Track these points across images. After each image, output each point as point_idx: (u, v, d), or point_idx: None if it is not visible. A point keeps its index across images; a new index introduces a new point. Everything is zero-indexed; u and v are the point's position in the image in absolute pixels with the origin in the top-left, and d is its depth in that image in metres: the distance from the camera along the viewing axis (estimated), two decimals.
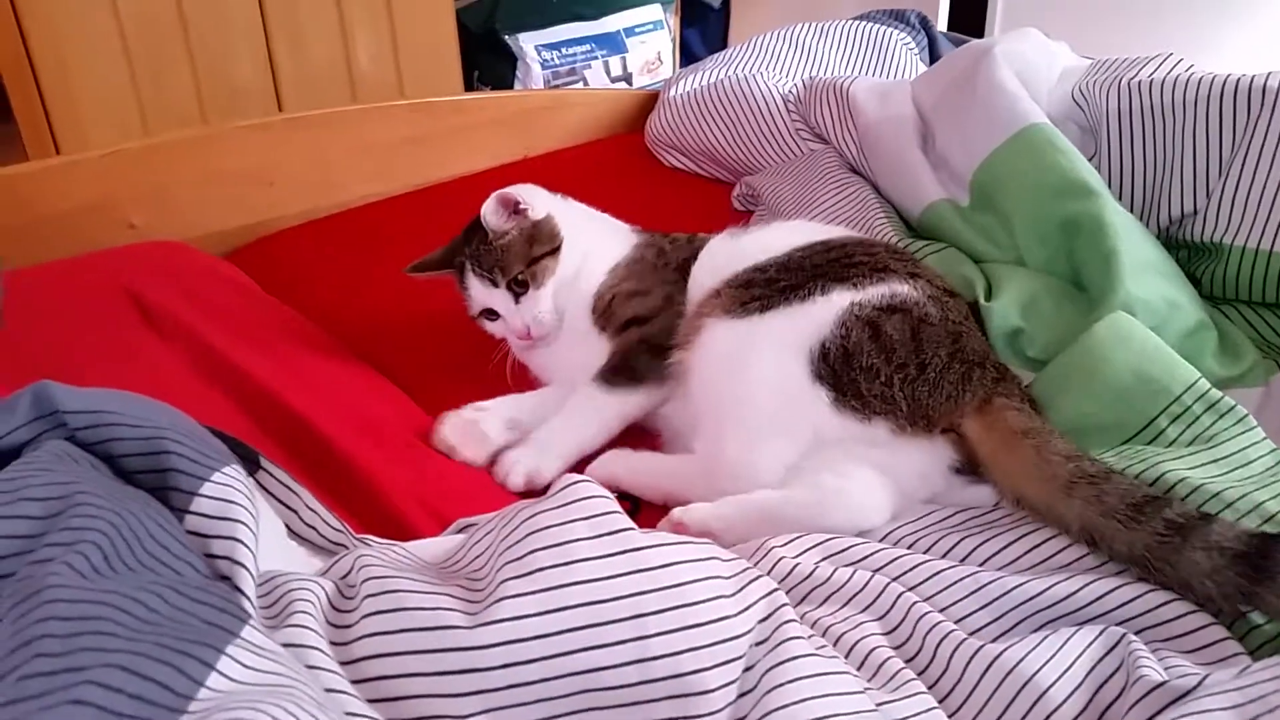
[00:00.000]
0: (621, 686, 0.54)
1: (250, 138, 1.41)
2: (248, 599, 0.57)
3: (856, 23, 1.66)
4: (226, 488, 0.63)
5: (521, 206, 1.05)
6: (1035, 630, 0.70)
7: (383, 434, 0.92)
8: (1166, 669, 0.66)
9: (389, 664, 0.55)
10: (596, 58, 3.03)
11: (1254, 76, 1.01)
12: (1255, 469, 0.79)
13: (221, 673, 0.48)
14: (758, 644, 0.59)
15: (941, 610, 0.70)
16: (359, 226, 1.41)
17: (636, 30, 3.13)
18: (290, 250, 1.36)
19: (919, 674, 0.66)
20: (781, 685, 0.58)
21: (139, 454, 0.64)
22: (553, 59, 2.95)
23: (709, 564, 0.59)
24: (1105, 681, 0.66)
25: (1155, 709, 0.61)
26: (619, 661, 0.54)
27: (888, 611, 0.69)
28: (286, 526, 0.76)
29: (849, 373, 0.83)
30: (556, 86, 2.88)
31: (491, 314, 1.05)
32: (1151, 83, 1.06)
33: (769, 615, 0.60)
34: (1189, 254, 1.07)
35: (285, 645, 0.54)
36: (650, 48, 3.15)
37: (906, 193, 1.18)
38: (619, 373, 0.97)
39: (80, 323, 1.01)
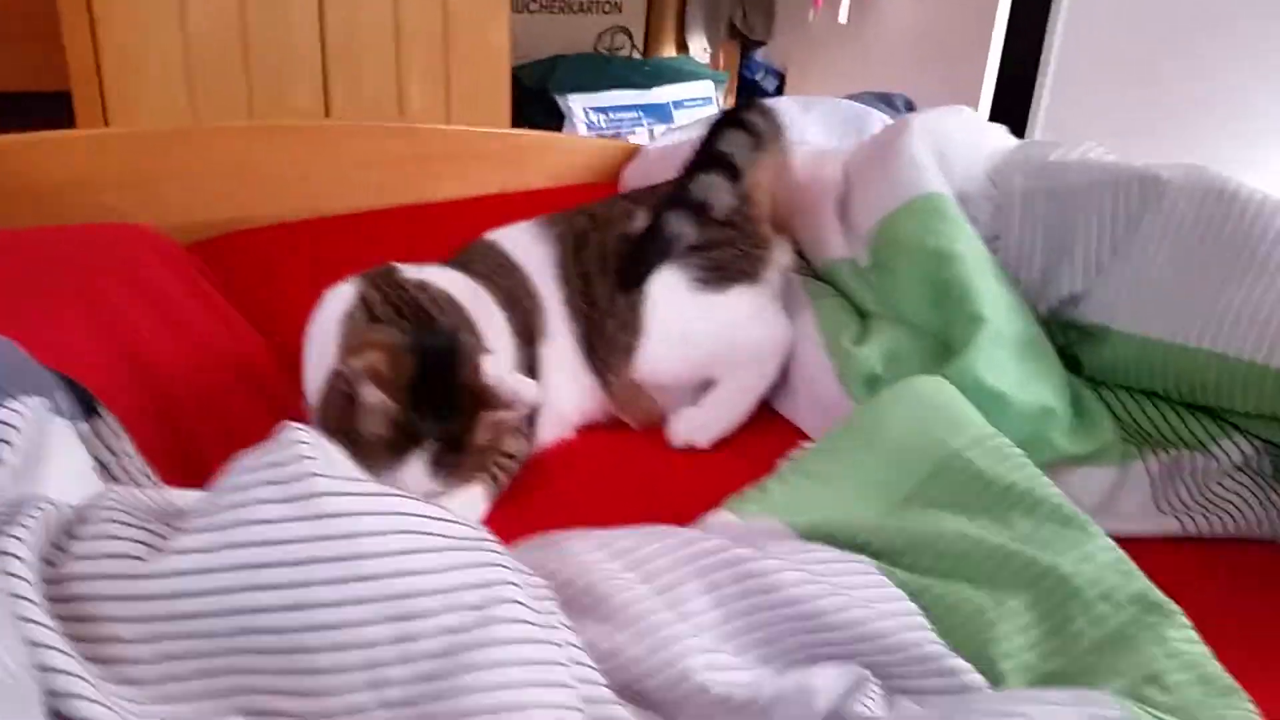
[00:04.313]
0: (284, 631, 0.56)
1: (232, 138, 1.50)
2: None
3: (842, 100, 1.70)
4: (11, 414, 0.68)
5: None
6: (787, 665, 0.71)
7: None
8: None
9: (85, 586, 0.58)
10: (642, 125, 3.12)
11: (1152, 166, 1.02)
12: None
13: None
14: (468, 613, 0.60)
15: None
16: (325, 235, 1.48)
17: (685, 104, 3.22)
18: (256, 248, 1.43)
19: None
20: (480, 669, 0.58)
21: None
22: (599, 121, 3.05)
23: (401, 519, 0.60)
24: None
25: None
26: (282, 604, 0.56)
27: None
28: (106, 469, 0.81)
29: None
30: None
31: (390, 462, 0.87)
32: (1055, 165, 1.08)
33: (483, 587, 0.61)
34: (1078, 335, 1.07)
35: None
36: None
37: (813, 248, 1.21)
38: None
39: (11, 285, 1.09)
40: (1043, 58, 2.50)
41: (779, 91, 3.48)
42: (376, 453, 0.86)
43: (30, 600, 0.56)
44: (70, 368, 0.85)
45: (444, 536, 0.62)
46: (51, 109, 1.93)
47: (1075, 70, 2.36)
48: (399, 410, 0.86)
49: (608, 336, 1.08)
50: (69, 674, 0.54)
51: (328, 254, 1.42)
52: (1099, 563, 0.77)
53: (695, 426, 1.07)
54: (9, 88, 2.34)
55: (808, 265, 1.22)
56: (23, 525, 0.61)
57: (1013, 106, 2.59)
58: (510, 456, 0.99)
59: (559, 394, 1.07)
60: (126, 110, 1.93)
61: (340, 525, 0.58)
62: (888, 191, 1.12)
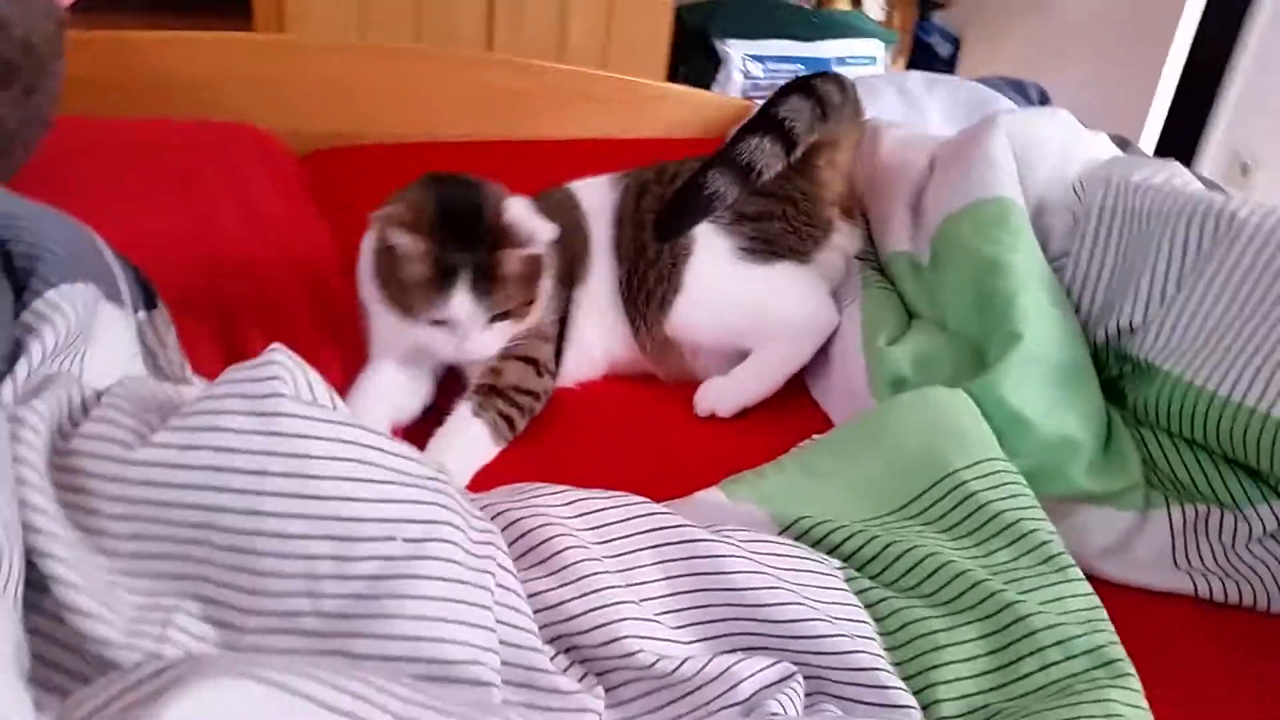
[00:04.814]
0: (236, 532, 0.62)
1: (358, 56, 1.58)
2: (12, 379, 0.69)
3: (970, 82, 1.63)
4: (63, 297, 0.76)
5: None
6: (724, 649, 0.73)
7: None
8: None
9: (81, 461, 0.65)
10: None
11: (1230, 202, 0.95)
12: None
13: None
14: (403, 544, 0.65)
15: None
16: (427, 159, 1.53)
17: (848, 61, 3.11)
18: (362, 164, 1.50)
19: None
20: (405, 599, 0.62)
21: (24, 255, 0.78)
22: (756, 70, 2.99)
23: (355, 449, 0.64)
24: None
25: None
26: (235, 508, 0.61)
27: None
28: (154, 358, 0.89)
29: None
30: (752, 98, 2.93)
31: (439, 322, 0.96)
32: (1136, 185, 1.02)
33: (422, 523, 0.65)
34: (1131, 368, 1.02)
35: (11, 419, 0.65)
36: None
37: (879, 237, 1.19)
38: None
39: (123, 171, 1.19)
40: (1234, 53, 2.34)
41: (953, 59, 3.34)
42: (425, 294, 0.95)
43: (32, 466, 0.63)
44: (146, 257, 0.93)
45: (393, 470, 0.66)
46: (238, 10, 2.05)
47: (1271, 69, 2.19)
48: (429, 246, 0.93)
49: (649, 286, 1.10)
50: (49, 534, 0.60)
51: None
52: (1066, 609, 0.75)
53: (719, 395, 1.08)
54: None
55: (874, 253, 1.20)
56: (44, 400, 0.68)
57: (1195, 104, 2.44)
58: (532, 394, 1.03)
59: (591, 334, 1.11)
60: (301, 18, 2.03)
61: (295, 445, 0.63)
62: (958, 189, 1.09)
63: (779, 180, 1.10)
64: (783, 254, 1.10)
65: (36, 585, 0.60)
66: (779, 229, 1.09)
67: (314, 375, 0.69)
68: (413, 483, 0.67)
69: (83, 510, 0.64)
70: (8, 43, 0.99)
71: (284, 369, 0.66)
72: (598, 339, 1.11)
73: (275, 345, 0.68)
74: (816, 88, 1.11)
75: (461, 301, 0.95)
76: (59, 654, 0.60)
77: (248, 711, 0.47)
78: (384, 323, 1.02)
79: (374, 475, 0.65)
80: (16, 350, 0.72)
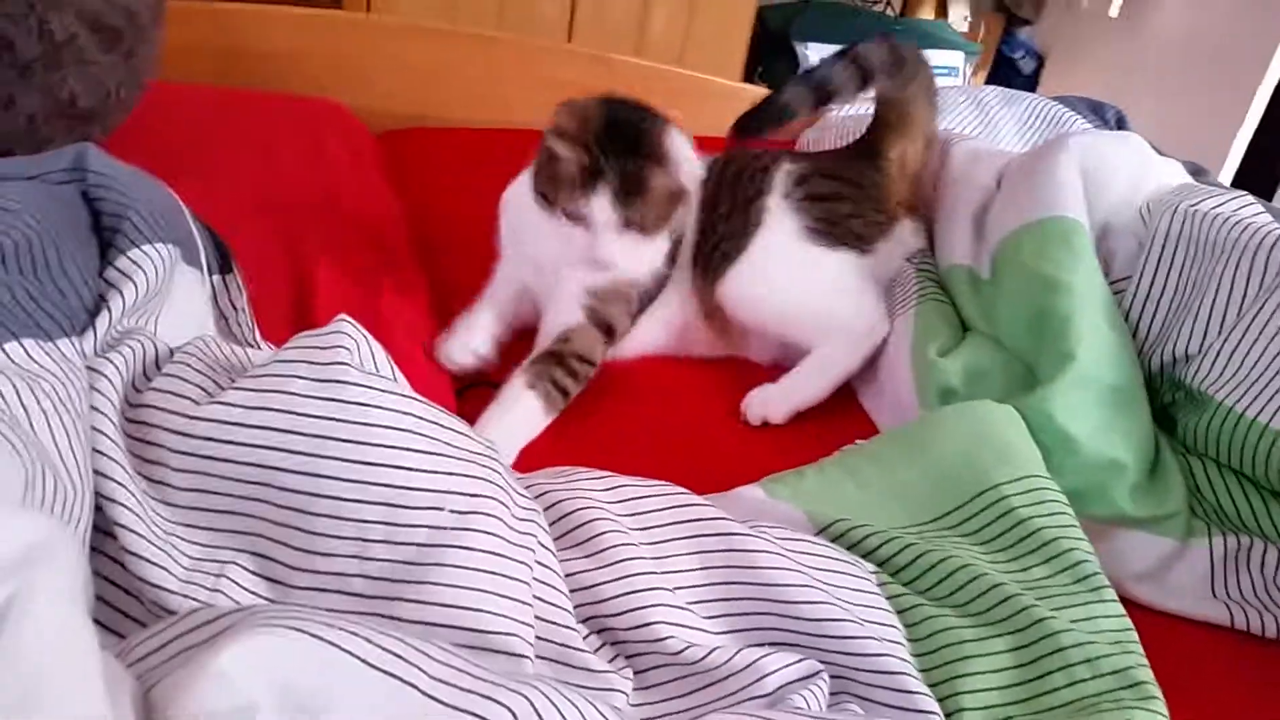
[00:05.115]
0: (293, 491, 0.64)
1: (438, 40, 1.61)
2: (93, 332, 0.73)
3: (1048, 101, 1.62)
4: (145, 257, 0.80)
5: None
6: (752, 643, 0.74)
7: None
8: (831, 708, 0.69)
9: (151, 415, 0.68)
10: None
11: None
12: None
13: (5, 351, 0.63)
14: (450, 515, 0.67)
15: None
16: (498, 146, 1.56)
17: None
18: (437, 145, 1.54)
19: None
20: (448, 568, 0.65)
21: (112, 214, 0.82)
22: None
23: (412, 420, 0.67)
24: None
25: None
26: (294, 468, 0.64)
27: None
28: (225, 320, 0.93)
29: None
30: None
31: (576, 218, 1.02)
32: (1202, 214, 1.01)
33: (468, 497, 0.67)
34: (1184, 396, 1.01)
35: (89, 370, 0.69)
36: None
37: (940, 248, 1.19)
38: None
39: (209, 137, 1.24)
40: None
41: (1037, 75, 3.28)
42: (570, 188, 1.02)
43: (107, 417, 0.67)
44: (224, 222, 0.97)
45: (447, 444, 0.69)
46: None
47: None
48: (582, 154, 1.01)
49: (717, 239, 1.14)
50: (117, 481, 0.64)
51: (493, 162, 1.50)
52: (1097, 628, 0.75)
53: (766, 401, 1.09)
54: None
55: (934, 264, 1.20)
56: (120, 354, 0.72)
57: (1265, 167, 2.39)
58: (591, 364, 1.06)
59: (669, 297, 1.14)
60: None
61: (355, 413, 0.66)
62: (1022, 206, 1.09)
63: (851, 167, 1.16)
64: (846, 240, 1.13)
65: (101, 529, 0.63)
66: (846, 210, 1.13)
67: (377, 347, 0.71)
68: (463, 457, 0.69)
69: (149, 461, 0.68)
70: (114, 9, 1.04)
71: (350, 339, 0.69)
72: (665, 299, 1.14)
73: (342, 316, 0.71)
74: (892, 39, 1.19)
75: (601, 204, 1.01)
76: (117, 596, 0.63)
77: (294, 661, 0.49)
78: (521, 227, 1.09)
79: (427, 447, 0.67)
80: (99, 305, 0.76)
